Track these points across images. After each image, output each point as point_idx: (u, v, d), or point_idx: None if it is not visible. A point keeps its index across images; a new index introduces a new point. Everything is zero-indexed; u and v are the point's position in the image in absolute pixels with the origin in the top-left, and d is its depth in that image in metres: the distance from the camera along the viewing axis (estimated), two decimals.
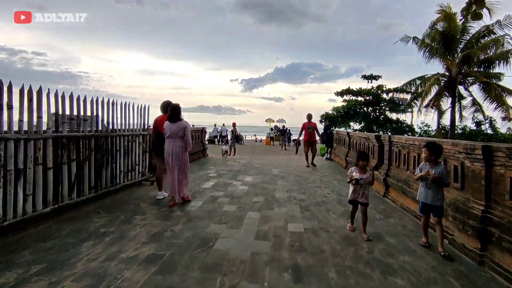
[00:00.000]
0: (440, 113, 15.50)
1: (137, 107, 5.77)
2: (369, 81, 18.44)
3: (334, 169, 8.56)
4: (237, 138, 17.44)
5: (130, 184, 5.61)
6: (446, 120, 16.82)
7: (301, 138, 9.61)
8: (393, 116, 17.95)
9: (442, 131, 17.64)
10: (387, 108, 17.34)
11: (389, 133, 16.76)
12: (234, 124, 16.49)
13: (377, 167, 6.14)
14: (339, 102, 21.15)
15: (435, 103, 14.83)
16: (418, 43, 16.67)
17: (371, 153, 6.79)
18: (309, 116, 9.12)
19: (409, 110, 17.57)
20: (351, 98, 18.62)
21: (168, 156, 4.47)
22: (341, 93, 19.18)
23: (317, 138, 9.25)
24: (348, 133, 9.01)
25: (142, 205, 4.55)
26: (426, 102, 15.00)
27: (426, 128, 19.16)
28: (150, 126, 5.72)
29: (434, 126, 19.52)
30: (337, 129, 16.45)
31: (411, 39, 17.03)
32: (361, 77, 18.34)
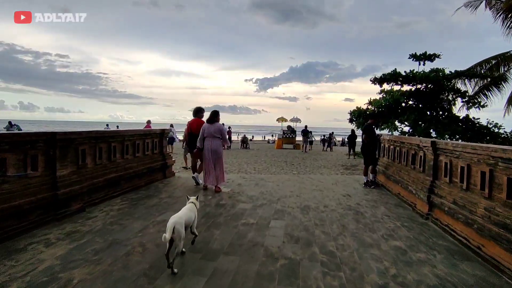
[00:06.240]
0: None
1: None
2: (421, 63, 12.24)
3: (404, 222, 3.89)
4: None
5: None
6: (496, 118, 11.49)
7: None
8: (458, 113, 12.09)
9: None
10: (456, 102, 11.49)
11: (460, 140, 11.29)
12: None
13: None
14: (375, 94, 15.51)
15: None
16: (495, 6, 11.57)
17: None
18: None
19: (476, 104, 12.15)
20: (392, 87, 12.46)
21: (207, 151, 5.24)
22: (380, 80, 12.43)
23: None
24: (434, 142, 4.23)
25: None
26: None
27: (496, 129, 13.66)
28: None
29: (508, 127, 13.99)
30: (382, 132, 11.10)
31: (482, 1, 11.93)
32: (409, 57, 12.44)
